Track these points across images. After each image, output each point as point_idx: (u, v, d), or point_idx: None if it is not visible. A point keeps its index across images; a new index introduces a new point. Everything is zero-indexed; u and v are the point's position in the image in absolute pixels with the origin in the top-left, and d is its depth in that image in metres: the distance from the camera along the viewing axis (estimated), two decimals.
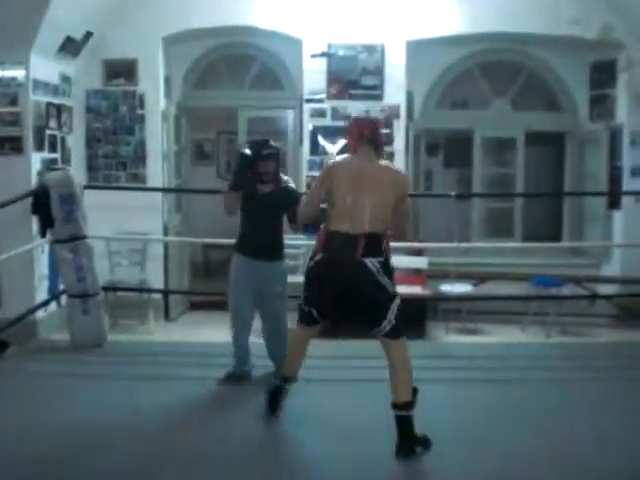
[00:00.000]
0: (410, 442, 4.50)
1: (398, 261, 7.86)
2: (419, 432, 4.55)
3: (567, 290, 7.86)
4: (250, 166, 5.50)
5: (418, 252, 8.10)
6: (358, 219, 4.58)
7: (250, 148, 5.57)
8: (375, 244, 4.57)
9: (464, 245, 7.67)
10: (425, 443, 4.55)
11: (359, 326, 4.90)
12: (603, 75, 8.46)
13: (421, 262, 8.00)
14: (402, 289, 7.50)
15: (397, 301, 4.61)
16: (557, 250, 8.60)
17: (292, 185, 5.75)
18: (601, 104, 8.52)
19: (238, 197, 5.58)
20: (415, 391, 4.68)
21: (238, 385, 5.72)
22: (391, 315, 4.56)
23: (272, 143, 5.59)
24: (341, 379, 5.97)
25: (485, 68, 8.69)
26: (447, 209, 8.27)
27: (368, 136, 4.78)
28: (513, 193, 8.89)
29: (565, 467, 4.42)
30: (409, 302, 7.41)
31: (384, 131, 5.39)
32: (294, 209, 5.36)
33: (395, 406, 4.55)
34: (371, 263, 4.53)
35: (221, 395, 5.65)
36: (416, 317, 7.51)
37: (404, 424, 4.52)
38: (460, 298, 7.74)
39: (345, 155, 4.94)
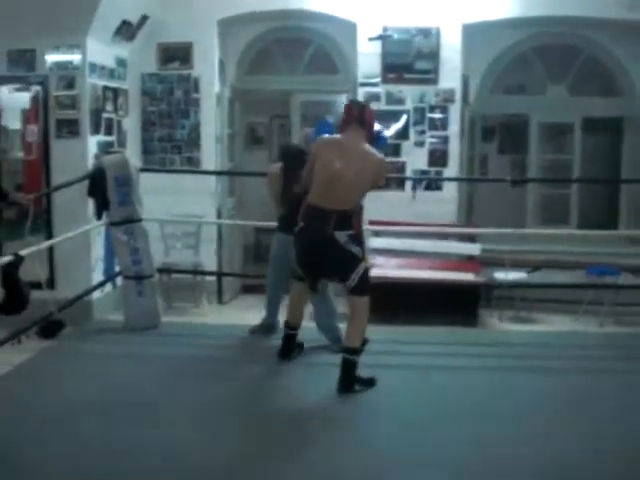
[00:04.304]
0: (348, 381, 5.31)
1: (450, 247, 7.94)
2: (366, 375, 5.41)
3: (623, 279, 7.72)
4: None
5: (471, 238, 8.04)
6: (333, 197, 5.24)
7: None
8: (345, 220, 5.25)
9: (518, 231, 7.58)
10: (369, 383, 5.40)
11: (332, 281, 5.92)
12: None
13: (474, 248, 7.93)
14: (454, 275, 7.60)
15: (362, 265, 5.35)
16: (613, 238, 8.44)
17: None
18: None
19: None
20: (365, 342, 5.51)
21: (266, 335, 6.64)
22: (355, 276, 5.30)
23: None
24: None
25: (541, 52, 8.54)
26: (502, 195, 8.22)
27: (356, 117, 5.41)
28: (569, 179, 8.74)
29: (613, 456, 4.39)
30: (462, 289, 7.50)
31: (373, 116, 5.69)
32: None
33: (345, 350, 5.38)
34: (339, 236, 5.23)
35: (274, 374, 5.79)
36: (469, 304, 7.48)
37: (347, 366, 5.33)
38: (514, 285, 7.66)
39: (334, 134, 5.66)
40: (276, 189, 6.36)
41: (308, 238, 5.40)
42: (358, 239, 5.36)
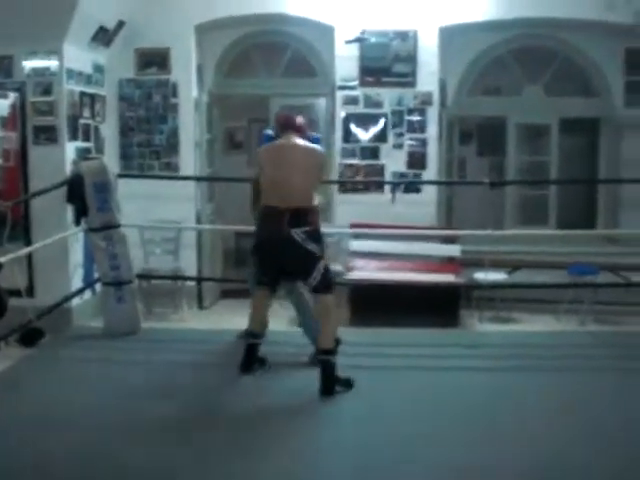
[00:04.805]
0: (330, 383, 5.29)
1: (430, 249, 7.96)
2: (343, 375, 5.36)
3: (602, 278, 7.77)
4: None
5: (451, 240, 8.06)
6: (282, 196, 5.40)
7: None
8: (300, 216, 5.35)
9: (498, 233, 7.61)
10: (347, 384, 5.36)
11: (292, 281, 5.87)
12: (638, 60, 8.34)
13: (454, 250, 7.96)
14: (434, 277, 7.62)
15: (323, 262, 5.44)
16: (592, 238, 8.50)
17: None
18: (637, 90, 8.39)
19: None
20: (338, 342, 5.51)
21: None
22: (317, 273, 5.39)
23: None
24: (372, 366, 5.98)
25: (518, 54, 8.58)
26: (481, 197, 8.24)
27: (286, 124, 5.71)
28: (548, 180, 8.80)
29: (594, 454, 4.41)
30: (442, 290, 7.52)
31: (303, 121, 5.87)
32: None
33: (320, 352, 5.40)
34: (296, 233, 5.32)
35: (255, 378, 5.73)
36: (449, 305, 7.50)
37: (326, 367, 5.32)
38: (494, 286, 7.69)
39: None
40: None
41: (266, 238, 5.51)
42: (315, 236, 5.42)
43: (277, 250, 5.44)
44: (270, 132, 6.03)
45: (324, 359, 5.35)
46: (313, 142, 5.80)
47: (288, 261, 5.47)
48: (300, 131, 5.73)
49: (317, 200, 5.62)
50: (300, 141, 5.64)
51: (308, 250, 5.35)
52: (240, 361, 5.80)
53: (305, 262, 5.40)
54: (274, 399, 5.40)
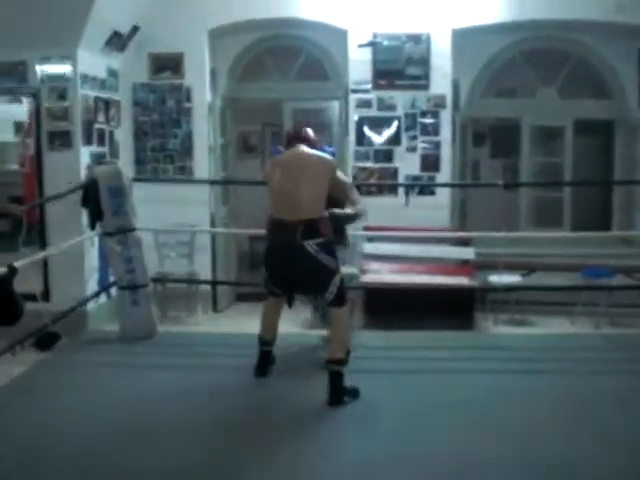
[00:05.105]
0: (339, 394, 5.24)
1: (444, 252, 7.95)
2: (350, 385, 5.30)
3: (617, 281, 7.74)
4: None
5: (465, 242, 8.05)
6: (294, 207, 5.29)
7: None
8: (312, 228, 5.25)
9: (512, 235, 7.60)
10: (354, 393, 5.31)
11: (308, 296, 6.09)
12: None
13: (468, 252, 7.94)
14: (449, 280, 7.61)
15: (338, 275, 5.38)
16: (607, 240, 8.45)
17: None
18: None
19: None
20: (348, 352, 5.49)
21: None
22: (333, 287, 5.32)
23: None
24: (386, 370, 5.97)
25: (531, 56, 8.55)
26: (494, 199, 8.23)
27: (294, 136, 5.72)
28: (562, 182, 8.77)
29: (606, 455, 4.42)
30: (456, 293, 7.51)
31: (312, 132, 5.83)
32: None
33: (329, 362, 5.31)
34: (309, 245, 5.22)
35: (269, 383, 5.77)
36: (464, 308, 7.50)
37: (335, 378, 5.27)
38: (508, 289, 7.66)
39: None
40: None
41: (278, 250, 5.44)
42: (329, 247, 5.32)
43: (288, 262, 5.36)
44: (281, 148, 6.04)
45: (334, 369, 5.30)
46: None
47: (301, 274, 5.38)
48: (308, 141, 5.68)
49: (359, 208, 5.58)
50: (308, 150, 5.57)
51: (323, 264, 5.27)
52: (255, 365, 5.86)
53: (320, 276, 5.32)
54: (287, 402, 5.41)
